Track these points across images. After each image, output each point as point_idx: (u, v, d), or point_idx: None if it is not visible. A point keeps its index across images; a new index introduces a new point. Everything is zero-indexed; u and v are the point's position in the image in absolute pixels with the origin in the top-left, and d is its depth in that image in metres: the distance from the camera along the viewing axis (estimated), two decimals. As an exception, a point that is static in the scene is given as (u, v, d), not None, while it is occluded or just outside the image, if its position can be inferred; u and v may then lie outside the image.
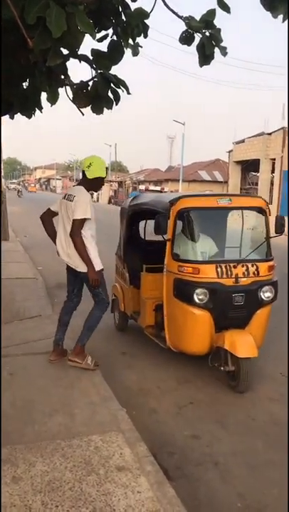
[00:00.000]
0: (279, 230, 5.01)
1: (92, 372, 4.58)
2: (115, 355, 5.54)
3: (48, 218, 4.95)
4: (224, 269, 4.64)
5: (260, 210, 5.15)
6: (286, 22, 3.01)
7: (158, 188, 39.66)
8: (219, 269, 4.63)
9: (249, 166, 35.17)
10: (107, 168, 4.78)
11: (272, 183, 32.45)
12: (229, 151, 37.57)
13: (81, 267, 4.58)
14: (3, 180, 23.69)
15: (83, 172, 4.73)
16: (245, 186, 37.52)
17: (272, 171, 32.32)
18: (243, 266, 4.73)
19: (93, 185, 4.74)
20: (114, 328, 6.54)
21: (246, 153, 34.10)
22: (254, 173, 37.46)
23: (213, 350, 4.72)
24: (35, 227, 10.80)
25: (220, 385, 4.81)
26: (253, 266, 4.78)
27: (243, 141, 34.89)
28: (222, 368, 4.67)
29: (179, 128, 39.08)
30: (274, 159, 31.39)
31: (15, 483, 2.82)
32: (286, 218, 4.99)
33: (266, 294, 4.81)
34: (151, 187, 40.87)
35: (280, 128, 30.77)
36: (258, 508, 3.09)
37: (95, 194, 57.10)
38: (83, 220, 4.51)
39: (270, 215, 5.18)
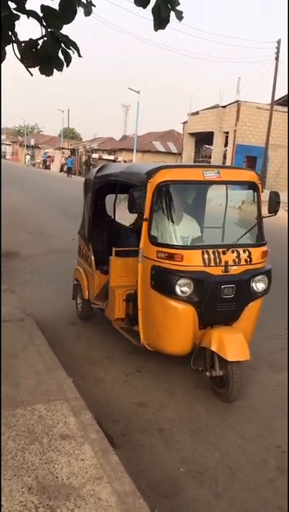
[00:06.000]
0: (273, 208, 4.29)
1: (39, 342, 4.52)
2: (64, 326, 5.49)
3: None
4: (212, 256, 3.99)
5: (253, 186, 4.49)
6: None
7: (112, 158, 39.14)
8: (206, 256, 3.97)
9: (203, 139, 35.29)
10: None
11: (224, 157, 32.78)
12: (184, 123, 37.48)
13: None
14: None
15: None
16: (198, 159, 37.69)
17: (226, 145, 32.61)
18: (233, 252, 4.09)
19: None
20: (62, 298, 6.32)
21: (200, 125, 34.14)
22: (207, 146, 37.65)
23: (196, 351, 4.13)
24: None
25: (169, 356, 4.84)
26: (244, 252, 4.14)
27: (197, 113, 34.86)
28: (207, 373, 4.06)
29: (134, 96, 38.44)
30: (227, 132, 31.63)
31: None
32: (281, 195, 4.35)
33: (259, 285, 4.21)
34: (105, 156, 40.25)
35: (234, 101, 30.97)
36: (200, 472, 3.19)
37: (48, 162, 55.53)
38: None
39: (262, 191, 4.53)
